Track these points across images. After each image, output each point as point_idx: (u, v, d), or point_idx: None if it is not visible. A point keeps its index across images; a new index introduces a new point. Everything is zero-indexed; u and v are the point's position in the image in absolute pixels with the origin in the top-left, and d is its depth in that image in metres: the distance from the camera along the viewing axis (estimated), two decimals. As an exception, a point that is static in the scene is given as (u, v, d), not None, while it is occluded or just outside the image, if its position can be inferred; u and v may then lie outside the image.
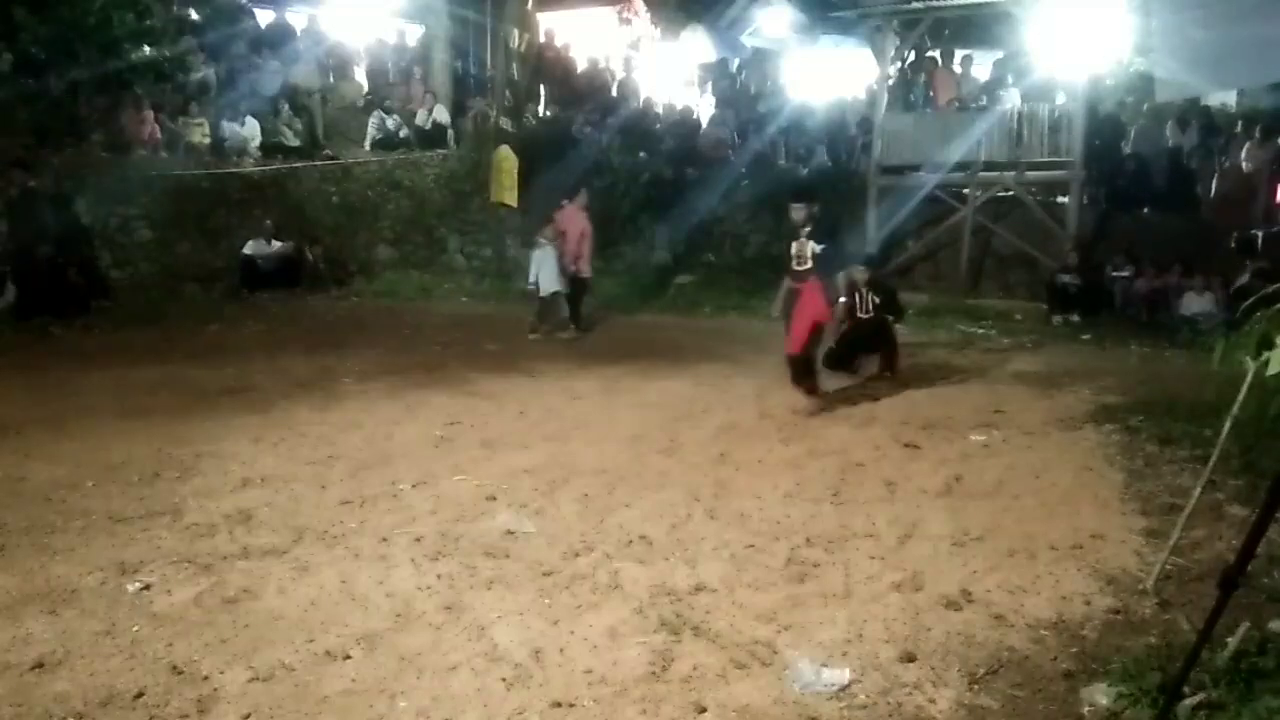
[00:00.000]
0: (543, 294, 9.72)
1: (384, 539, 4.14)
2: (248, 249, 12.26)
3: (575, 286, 10.07)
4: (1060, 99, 13.15)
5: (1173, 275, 11.61)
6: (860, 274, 8.31)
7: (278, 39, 15.11)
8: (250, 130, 13.65)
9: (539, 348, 9.27)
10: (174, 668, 3.01)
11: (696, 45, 19.60)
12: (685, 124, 16.65)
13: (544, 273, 9.67)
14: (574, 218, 10.09)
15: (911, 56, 15.08)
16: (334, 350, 8.68)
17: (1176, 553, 3.86)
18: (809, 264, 6.62)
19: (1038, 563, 3.97)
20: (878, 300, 8.16)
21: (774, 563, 3.94)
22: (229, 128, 13.46)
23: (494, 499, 4.71)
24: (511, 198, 14.02)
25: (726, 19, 19.84)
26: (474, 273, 14.12)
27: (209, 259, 12.33)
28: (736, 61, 19.78)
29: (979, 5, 13.50)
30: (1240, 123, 13.71)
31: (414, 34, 17.29)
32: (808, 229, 6.65)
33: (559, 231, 9.96)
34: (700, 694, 2.91)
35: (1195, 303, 11.18)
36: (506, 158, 13.96)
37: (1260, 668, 2.95)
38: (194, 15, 13.91)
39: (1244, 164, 12.61)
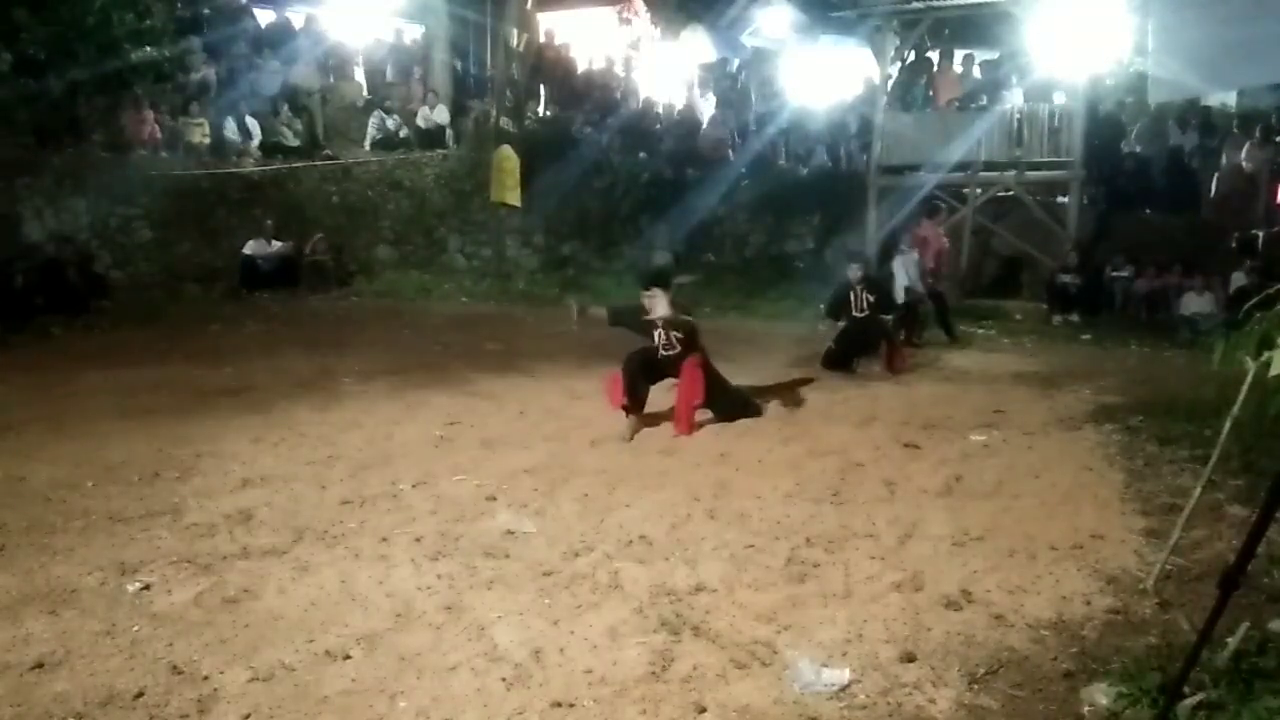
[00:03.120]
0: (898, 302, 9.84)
1: (384, 539, 4.14)
2: (248, 249, 12.27)
3: (936, 301, 10.18)
4: (1060, 99, 13.16)
5: (1173, 275, 11.62)
6: (854, 273, 8.32)
7: (278, 39, 15.13)
8: (250, 130, 13.67)
9: (538, 347, 9.27)
10: (174, 668, 3.01)
11: (696, 45, 19.59)
12: (685, 124, 16.64)
13: (898, 284, 9.82)
14: (931, 234, 10.37)
15: (911, 56, 15.08)
16: (334, 350, 8.69)
17: (1176, 553, 3.86)
18: (677, 348, 6.06)
19: (1038, 563, 3.97)
20: (872, 299, 8.16)
21: (774, 563, 3.94)
22: (229, 128, 13.47)
23: (494, 499, 4.71)
24: (514, 197, 14.05)
25: (726, 19, 19.82)
26: (474, 273, 14.13)
27: (209, 259, 12.36)
28: (736, 61, 19.77)
29: (979, 5, 13.50)
30: (1236, 121, 13.71)
31: (414, 34, 17.30)
32: (665, 315, 6.00)
33: (919, 241, 10.15)
34: (700, 694, 2.91)
35: (1195, 303, 11.19)
36: (508, 157, 13.98)
37: (1260, 668, 2.94)
38: (194, 15, 13.93)
39: (1244, 164, 12.61)
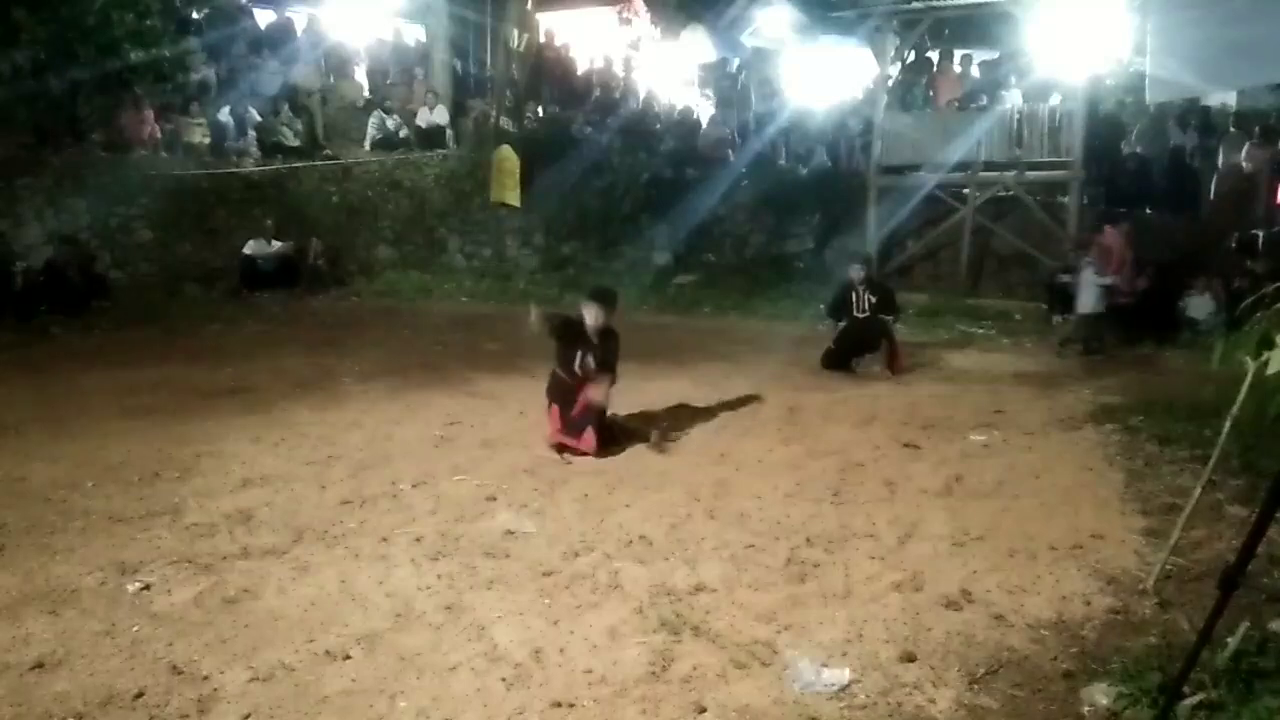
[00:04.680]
0: (1081, 312, 9.75)
1: (384, 539, 4.15)
2: (248, 249, 12.26)
3: (1114, 312, 9.95)
4: (1060, 99, 13.16)
5: (1173, 275, 11.59)
6: (856, 273, 8.32)
7: (278, 39, 15.13)
8: (250, 130, 13.66)
9: (538, 347, 9.24)
10: (174, 668, 3.01)
11: (696, 45, 19.59)
12: (685, 124, 16.65)
13: (1084, 293, 9.70)
14: (1116, 242, 10.17)
15: (911, 56, 15.08)
16: (334, 350, 8.68)
17: (1176, 553, 3.86)
18: (593, 369, 5.69)
19: (1038, 563, 3.97)
20: (874, 300, 8.16)
21: (774, 563, 3.94)
22: (229, 128, 13.47)
23: (494, 499, 4.71)
24: (514, 197, 14.05)
25: (726, 19, 19.81)
26: (474, 273, 14.13)
27: (209, 259, 12.35)
28: (736, 61, 19.78)
29: (979, 5, 13.50)
30: (1232, 120, 13.67)
31: (414, 34, 17.30)
32: (600, 332, 5.74)
33: (1103, 250, 9.99)
34: (700, 694, 2.91)
35: (1196, 303, 11.17)
36: (508, 158, 13.98)
37: (1260, 668, 2.95)
38: (194, 15, 13.93)
39: (1244, 164, 12.60)
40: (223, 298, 11.82)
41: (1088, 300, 9.65)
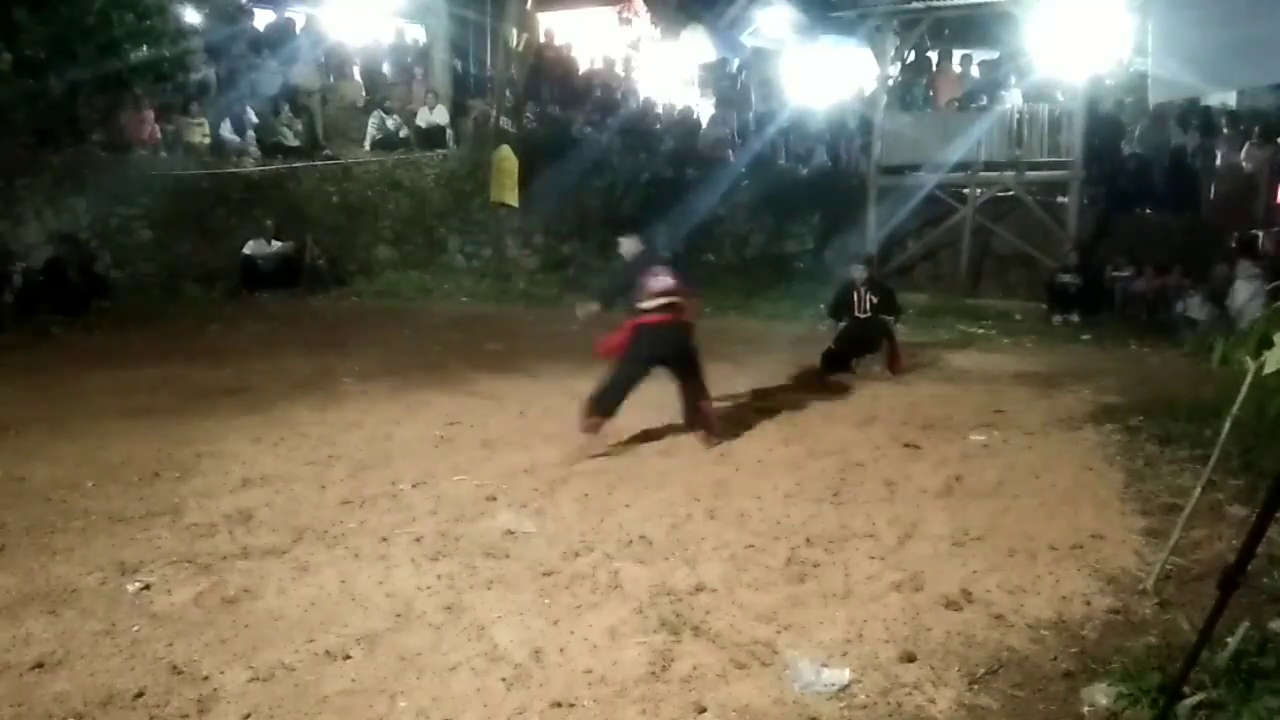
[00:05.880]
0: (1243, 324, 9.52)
1: (384, 539, 4.14)
2: (248, 249, 12.26)
3: None
4: (1060, 99, 13.17)
5: (1173, 275, 11.61)
6: (858, 272, 8.32)
7: (277, 39, 15.13)
8: (250, 130, 13.66)
9: (538, 347, 9.26)
10: (174, 668, 3.01)
11: (696, 45, 19.61)
12: (685, 124, 16.66)
13: (1249, 303, 9.48)
14: (1275, 249, 10.10)
15: (911, 56, 15.09)
16: (334, 350, 8.68)
17: (1176, 553, 3.86)
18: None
19: (1038, 563, 3.97)
20: (875, 300, 8.17)
21: (774, 563, 3.94)
22: (228, 128, 13.47)
23: (494, 499, 4.71)
24: (512, 198, 14.04)
25: (726, 19, 19.84)
26: (474, 273, 14.13)
27: (209, 259, 12.35)
28: (736, 61, 19.79)
29: (979, 5, 13.51)
30: (1225, 120, 13.68)
31: (414, 34, 17.30)
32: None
33: (1265, 253, 9.89)
34: (700, 694, 2.91)
35: (1195, 303, 11.16)
36: (506, 158, 13.98)
37: (1260, 668, 2.95)
38: (193, 15, 13.92)
39: (1244, 164, 12.60)
40: (223, 298, 11.82)
41: (1253, 310, 9.29)
